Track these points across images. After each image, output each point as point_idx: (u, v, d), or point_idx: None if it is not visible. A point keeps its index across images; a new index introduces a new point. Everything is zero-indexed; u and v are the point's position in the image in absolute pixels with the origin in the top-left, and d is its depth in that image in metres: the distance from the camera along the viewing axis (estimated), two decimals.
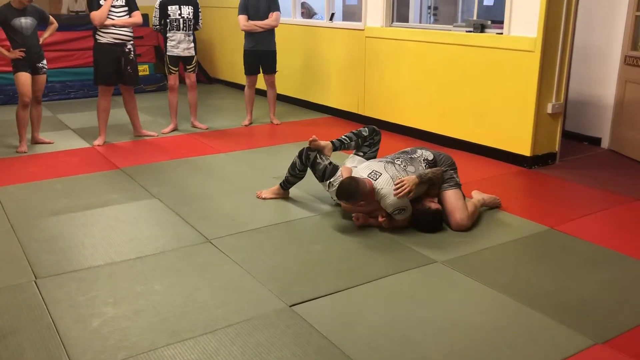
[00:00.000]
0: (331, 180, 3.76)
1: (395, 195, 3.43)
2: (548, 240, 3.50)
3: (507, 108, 4.96)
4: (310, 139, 3.91)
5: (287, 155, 5.33)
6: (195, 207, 4.03)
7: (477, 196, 3.85)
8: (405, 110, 5.95)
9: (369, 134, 4.10)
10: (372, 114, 6.35)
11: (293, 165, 3.97)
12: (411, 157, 3.71)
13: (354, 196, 3.48)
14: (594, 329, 2.56)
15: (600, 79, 5.49)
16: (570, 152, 5.30)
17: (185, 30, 6.02)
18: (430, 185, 3.62)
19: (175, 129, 6.26)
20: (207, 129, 6.35)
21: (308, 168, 3.92)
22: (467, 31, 5.26)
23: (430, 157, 3.73)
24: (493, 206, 3.95)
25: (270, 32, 6.29)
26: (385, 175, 3.53)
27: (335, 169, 3.80)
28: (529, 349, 2.42)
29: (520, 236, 3.55)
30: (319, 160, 3.83)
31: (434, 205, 3.60)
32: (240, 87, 8.68)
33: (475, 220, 3.68)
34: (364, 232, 3.61)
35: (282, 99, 7.18)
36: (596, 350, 2.42)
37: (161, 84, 8.68)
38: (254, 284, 2.97)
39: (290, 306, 2.75)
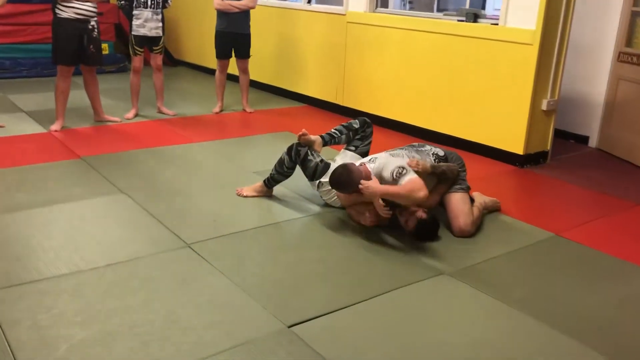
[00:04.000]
0: (322, 179, 3.42)
1: (408, 163, 3.13)
2: (556, 249, 3.27)
3: (500, 103, 4.71)
4: (300, 133, 3.56)
5: (265, 147, 4.98)
6: (170, 205, 3.63)
7: (479, 199, 3.58)
8: (388, 102, 5.65)
9: (360, 126, 3.78)
10: (352, 105, 6.02)
11: (281, 162, 3.61)
12: (417, 150, 3.41)
13: (348, 184, 3.16)
14: (630, 357, 2.32)
15: (590, 76, 5.31)
16: (559, 150, 5.11)
17: (153, 8, 5.54)
18: (441, 182, 3.33)
19: (137, 115, 5.79)
20: (175, 115, 5.91)
21: (297, 166, 3.57)
22: (458, 20, 4.98)
23: (442, 153, 3.44)
24: (493, 209, 3.69)
25: (245, 14, 5.87)
26: (382, 156, 3.27)
27: (326, 167, 3.47)
28: None
29: (527, 244, 3.30)
30: (310, 157, 3.49)
31: (420, 212, 3.20)
32: (208, 71, 8.23)
33: (478, 225, 3.42)
34: (359, 236, 3.29)
35: (255, 85, 6.77)
36: None
37: (122, 64, 8.12)
38: (244, 299, 2.62)
39: (289, 327, 2.42)
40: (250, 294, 2.65)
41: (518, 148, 4.66)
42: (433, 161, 3.38)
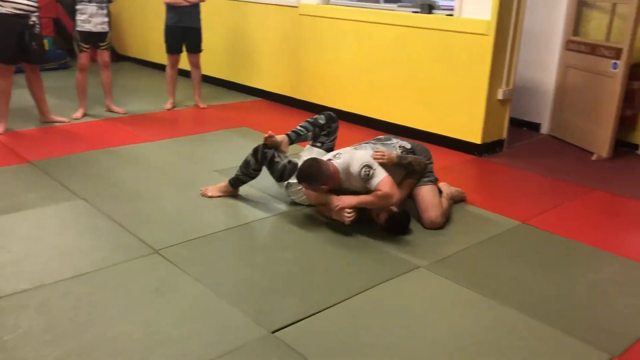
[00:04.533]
0: (290, 180, 3.37)
1: (374, 155, 3.13)
2: (524, 237, 3.33)
3: (456, 94, 4.76)
4: (266, 135, 3.48)
5: (224, 143, 4.87)
6: (131, 209, 3.49)
7: (446, 190, 3.61)
8: (345, 95, 5.62)
9: (326, 122, 3.74)
10: (309, 98, 5.96)
11: (246, 163, 3.52)
12: (383, 143, 3.40)
13: (317, 178, 3.11)
14: (606, 341, 2.38)
15: (540, 64, 5.44)
16: (514, 138, 5.21)
17: (98, 3, 5.30)
18: (409, 175, 3.33)
19: (85, 114, 5.54)
20: (125, 113, 5.70)
21: (263, 167, 3.50)
22: (413, 11, 4.99)
23: (408, 145, 3.44)
24: (459, 200, 3.73)
25: (195, 7, 5.70)
26: (347, 151, 3.26)
27: (294, 168, 3.41)
28: None
29: (495, 233, 3.35)
30: (276, 159, 3.42)
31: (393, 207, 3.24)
32: (153, 66, 8.00)
33: (447, 217, 3.44)
34: (331, 233, 3.25)
35: (207, 80, 6.61)
36: None
37: (63, 61, 7.78)
38: (223, 305, 2.54)
39: (273, 332, 2.36)
40: (229, 300, 2.57)
41: (476, 138, 4.73)
42: (399, 153, 3.38)
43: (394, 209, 3.21)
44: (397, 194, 3.02)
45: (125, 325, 2.36)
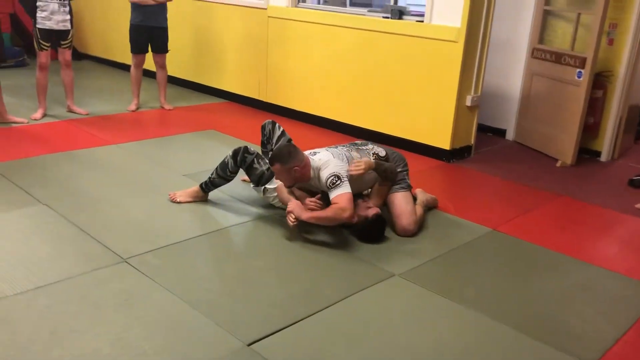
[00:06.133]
0: (267, 185, 3.32)
1: (350, 169, 3.13)
2: (496, 244, 3.36)
3: (426, 99, 4.78)
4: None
5: (191, 146, 4.77)
6: (96, 215, 3.37)
7: (421, 197, 3.61)
8: (312, 98, 5.58)
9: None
10: (275, 101, 5.91)
11: (224, 165, 3.44)
12: (358, 148, 3.38)
13: (288, 157, 3.09)
14: (579, 349, 2.40)
15: (507, 71, 5.52)
16: (480, 144, 5.27)
17: (60, 0, 5.12)
18: (383, 180, 3.31)
19: (45, 115, 5.36)
20: (87, 114, 5.53)
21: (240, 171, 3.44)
22: (383, 17, 4.99)
23: (383, 153, 3.42)
24: (431, 206, 3.74)
25: (162, 7, 5.58)
26: (324, 152, 3.25)
27: (272, 174, 3.35)
28: None
29: (467, 240, 3.36)
30: (255, 165, 3.37)
31: (371, 211, 3.25)
32: (116, 65, 7.81)
33: (421, 224, 3.44)
34: (304, 240, 3.21)
35: (172, 81, 6.47)
36: None
37: (20, 58, 7.51)
38: (195, 316, 2.46)
39: (249, 345, 2.30)
40: (201, 311, 2.49)
41: (445, 143, 4.76)
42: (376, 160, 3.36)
43: (370, 211, 3.20)
44: (351, 211, 3.02)
45: (93, 341, 2.26)
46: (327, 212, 3.06)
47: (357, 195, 3.27)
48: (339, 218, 3.05)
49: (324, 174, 3.11)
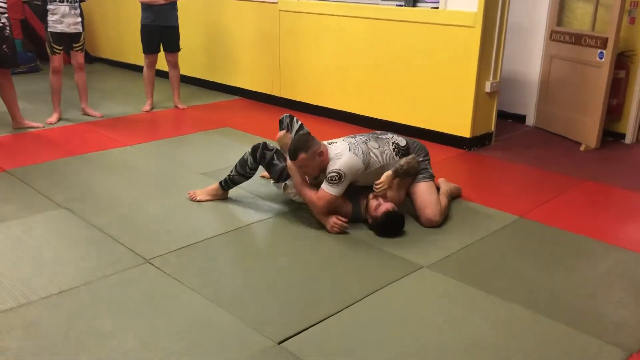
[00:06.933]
0: (288, 182, 3.27)
1: (375, 189, 3.14)
2: (525, 232, 3.27)
3: (444, 87, 4.69)
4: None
5: (207, 145, 4.72)
6: (117, 217, 3.33)
7: (445, 186, 3.53)
8: (328, 92, 5.51)
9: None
10: (289, 95, 5.85)
11: (243, 163, 3.39)
12: (378, 137, 3.31)
13: (307, 144, 3.07)
14: (622, 339, 2.32)
15: (524, 55, 5.40)
16: (501, 131, 5.17)
17: (70, 3, 5.10)
18: (405, 177, 3.25)
19: (60, 118, 5.34)
20: (102, 116, 5.51)
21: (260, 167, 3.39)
22: (397, 5, 4.90)
23: (403, 143, 3.34)
24: (455, 196, 3.66)
25: (172, 6, 5.54)
26: (341, 143, 3.23)
27: None
28: None
29: (495, 229, 3.28)
30: (275, 161, 3.32)
31: (380, 209, 3.13)
32: (128, 67, 7.79)
33: (446, 214, 3.36)
34: (327, 235, 3.15)
35: (185, 80, 6.44)
36: None
37: (32, 64, 7.52)
38: (222, 316, 2.41)
39: (279, 343, 2.25)
40: (228, 310, 2.45)
41: (465, 131, 4.67)
42: (392, 150, 3.29)
43: (381, 208, 3.12)
44: (322, 210, 3.15)
45: (121, 343, 2.22)
46: (310, 193, 3.16)
47: (369, 189, 3.20)
48: (310, 205, 3.20)
49: (331, 166, 3.11)
